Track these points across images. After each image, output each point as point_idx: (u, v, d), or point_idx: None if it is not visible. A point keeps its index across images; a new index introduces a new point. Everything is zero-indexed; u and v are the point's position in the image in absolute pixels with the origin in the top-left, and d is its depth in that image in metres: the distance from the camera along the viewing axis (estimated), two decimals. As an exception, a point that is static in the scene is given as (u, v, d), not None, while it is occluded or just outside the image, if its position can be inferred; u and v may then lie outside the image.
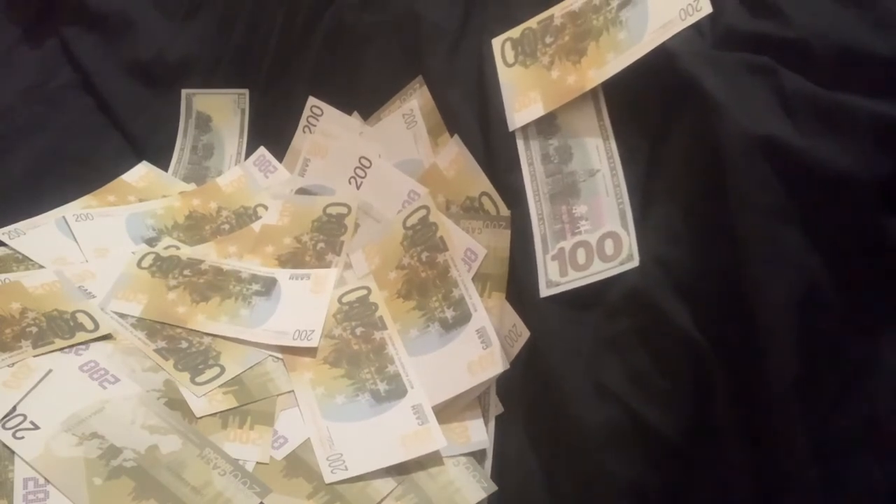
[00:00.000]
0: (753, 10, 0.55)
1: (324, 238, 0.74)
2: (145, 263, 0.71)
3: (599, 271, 0.57)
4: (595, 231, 0.58)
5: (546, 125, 0.63)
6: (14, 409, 0.56)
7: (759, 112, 0.51)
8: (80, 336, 0.63)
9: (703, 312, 0.52)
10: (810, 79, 0.52)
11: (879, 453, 0.51)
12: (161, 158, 0.85)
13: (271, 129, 0.84)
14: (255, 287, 0.69)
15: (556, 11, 0.64)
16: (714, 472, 0.53)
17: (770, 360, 0.49)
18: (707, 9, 0.55)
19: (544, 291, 0.59)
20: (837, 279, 0.50)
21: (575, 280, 0.58)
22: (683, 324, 0.52)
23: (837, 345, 0.50)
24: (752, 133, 0.50)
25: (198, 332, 0.66)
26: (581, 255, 0.58)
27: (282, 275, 0.71)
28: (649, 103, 0.57)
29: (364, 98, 0.78)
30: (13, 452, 0.53)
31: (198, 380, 0.62)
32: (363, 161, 0.76)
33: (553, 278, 0.59)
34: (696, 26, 0.55)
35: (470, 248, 0.66)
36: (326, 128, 0.80)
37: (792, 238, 0.50)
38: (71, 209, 0.77)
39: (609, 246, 0.57)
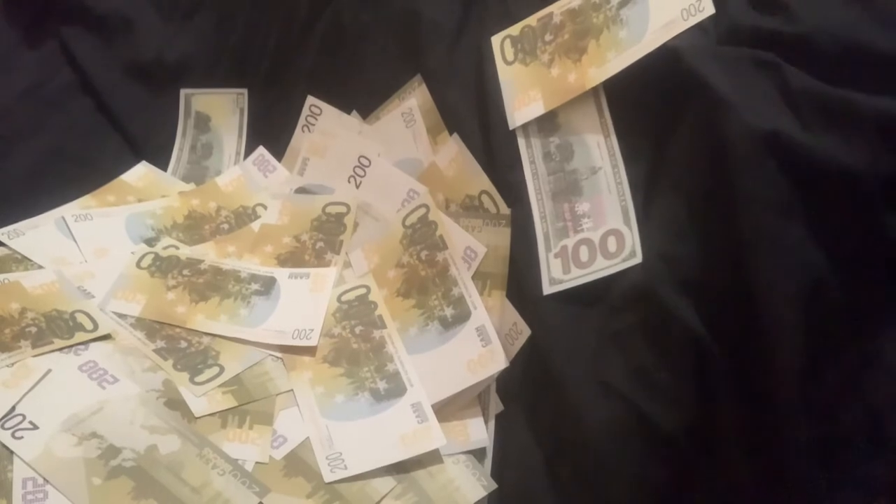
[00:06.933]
0: (757, 5, 0.55)
1: (323, 237, 0.74)
2: (144, 263, 0.71)
3: (602, 268, 0.57)
4: (597, 228, 0.58)
5: (547, 123, 0.62)
6: (13, 409, 0.56)
7: (764, 108, 0.51)
8: (80, 336, 0.63)
9: (706, 308, 0.52)
10: (815, 75, 0.52)
11: (881, 449, 0.51)
12: (160, 158, 0.85)
13: (270, 129, 0.84)
14: (255, 286, 0.69)
15: (555, 9, 0.63)
16: (717, 468, 0.53)
17: (773, 356, 0.49)
18: (710, 10, 0.55)
19: (547, 289, 0.59)
20: (841, 275, 0.50)
21: (578, 277, 0.58)
22: (687, 319, 0.52)
23: (841, 341, 0.50)
24: (757, 129, 0.50)
25: (197, 331, 0.66)
26: (584, 253, 0.58)
27: (281, 274, 0.70)
28: (652, 99, 0.57)
29: (363, 97, 0.78)
30: (12, 452, 0.53)
31: (197, 379, 0.62)
32: (362, 160, 0.76)
33: (556, 276, 0.59)
34: (700, 23, 0.55)
35: (469, 246, 0.66)
36: (325, 127, 0.80)
37: (796, 234, 0.50)
38: (70, 209, 0.77)
39: (612, 243, 0.57)
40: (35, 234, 0.74)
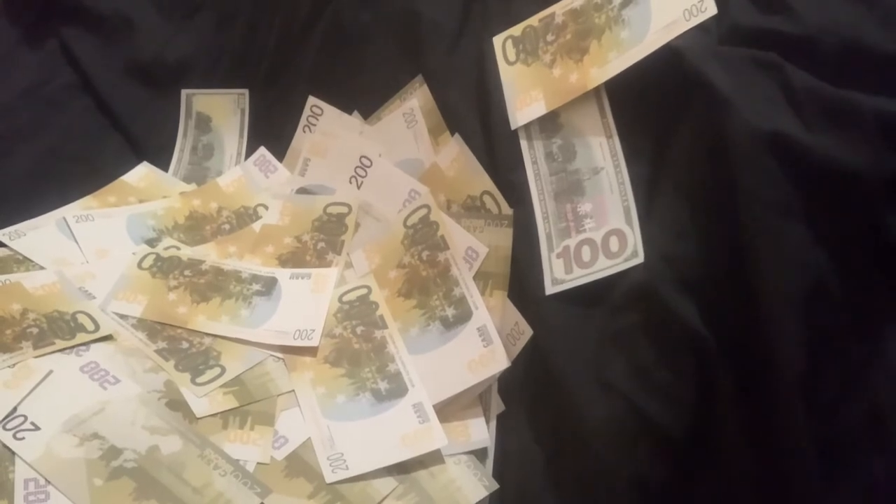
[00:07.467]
0: (760, 5, 0.55)
1: (324, 237, 0.74)
2: (146, 264, 0.71)
3: (604, 268, 0.57)
4: (600, 228, 0.58)
5: (549, 123, 0.62)
6: (15, 409, 0.56)
7: (766, 108, 0.51)
8: (81, 337, 0.63)
9: (707, 308, 0.52)
10: (817, 75, 0.52)
11: (882, 449, 0.51)
12: (161, 159, 0.85)
13: (271, 129, 0.84)
14: (256, 287, 0.69)
15: (557, 9, 0.63)
16: (717, 468, 0.53)
17: (774, 356, 0.49)
18: (712, 10, 0.55)
19: (549, 289, 0.59)
20: (842, 275, 0.50)
21: (580, 277, 0.58)
22: (688, 319, 0.52)
23: (841, 341, 0.50)
24: (759, 129, 0.50)
25: (198, 332, 0.66)
26: (586, 253, 0.58)
27: (282, 274, 0.70)
28: (654, 100, 0.57)
29: (364, 97, 0.78)
30: (14, 453, 0.53)
31: (198, 380, 0.62)
32: (363, 160, 0.76)
33: (558, 276, 0.59)
34: (702, 22, 0.55)
35: (471, 246, 0.66)
36: (326, 127, 0.80)
37: (798, 234, 0.50)
38: (71, 210, 0.77)
39: (614, 243, 0.57)
40: (36, 234, 0.74)
